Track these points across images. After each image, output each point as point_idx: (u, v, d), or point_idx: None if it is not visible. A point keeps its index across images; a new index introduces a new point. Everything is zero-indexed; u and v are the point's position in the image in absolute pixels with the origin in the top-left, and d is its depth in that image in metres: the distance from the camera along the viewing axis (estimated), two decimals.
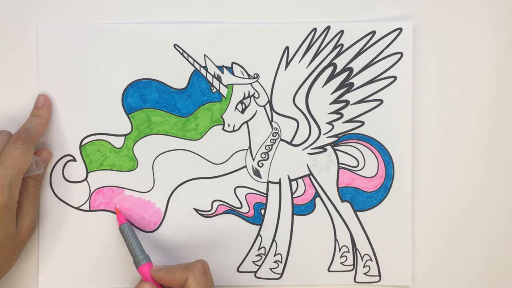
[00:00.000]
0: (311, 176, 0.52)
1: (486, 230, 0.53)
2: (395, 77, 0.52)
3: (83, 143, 0.51)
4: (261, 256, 0.52)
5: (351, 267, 0.53)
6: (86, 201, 0.51)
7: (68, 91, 0.51)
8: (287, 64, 0.52)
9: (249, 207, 0.52)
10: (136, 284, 0.49)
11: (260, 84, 0.52)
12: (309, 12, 0.52)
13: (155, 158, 0.52)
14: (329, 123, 0.52)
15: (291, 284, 0.52)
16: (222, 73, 0.51)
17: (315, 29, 0.51)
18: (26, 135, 0.47)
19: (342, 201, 0.52)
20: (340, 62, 0.52)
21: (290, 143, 0.52)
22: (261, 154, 0.52)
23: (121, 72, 0.51)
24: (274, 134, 0.52)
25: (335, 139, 0.52)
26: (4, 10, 0.51)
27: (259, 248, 0.52)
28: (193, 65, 0.51)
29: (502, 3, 0.52)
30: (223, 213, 0.52)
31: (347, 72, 0.52)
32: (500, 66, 0.53)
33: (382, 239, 0.52)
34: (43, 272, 0.51)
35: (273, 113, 0.52)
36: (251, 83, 0.52)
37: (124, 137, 0.51)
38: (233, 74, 0.51)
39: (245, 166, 0.52)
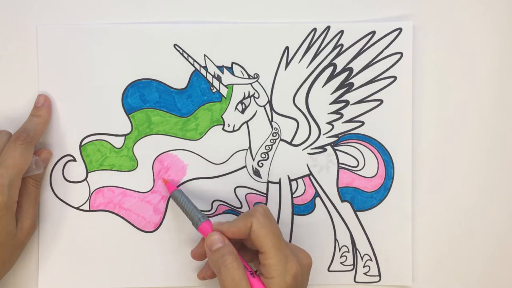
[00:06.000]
0: (311, 176, 0.52)
1: (486, 230, 0.53)
2: (395, 77, 0.52)
3: (83, 143, 0.51)
4: None
5: (351, 267, 0.53)
6: (86, 201, 0.51)
7: (68, 91, 0.51)
8: (287, 64, 0.52)
9: (249, 207, 0.52)
10: (136, 282, 0.49)
11: (260, 84, 0.52)
12: (309, 12, 0.52)
13: (155, 158, 0.52)
14: (329, 123, 0.52)
15: None
16: (222, 73, 0.51)
17: (315, 29, 0.51)
18: (25, 135, 0.47)
19: (342, 201, 0.52)
20: (340, 62, 0.52)
21: (290, 143, 0.52)
22: (261, 154, 0.52)
23: (121, 72, 0.51)
24: (274, 134, 0.52)
25: (335, 139, 0.52)
26: (4, 10, 0.51)
27: None
28: (193, 65, 0.51)
29: (502, 3, 0.52)
30: (223, 213, 0.52)
31: (347, 72, 0.52)
32: (500, 66, 0.53)
33: (382, 239, 0.52)
34: (43, 272, 0.51)
35: (273, 113, 0.52)
36: (251, 83, 0.52)
37: (124, 137, 0.51)
38: (233, 74, 0.52)
39: (245, 166, 0.52)
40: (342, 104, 0.52)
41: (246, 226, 0.44)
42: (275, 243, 0.43)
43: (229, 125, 0.52)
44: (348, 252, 0.52)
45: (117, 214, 0.52)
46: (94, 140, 0.51)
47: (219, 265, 0.43)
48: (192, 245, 0.51)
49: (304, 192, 0.52)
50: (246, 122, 0.52)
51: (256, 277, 0.43)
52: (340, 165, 0.52)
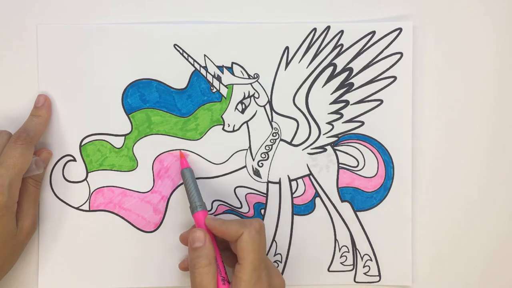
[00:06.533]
0: (311, 176, 0.52)
1: (486, 230, 0.53)
2: (395, 77, 0.52)
3: (83, 143, 0.51)
4: None
5: (351, 267, 0.53)
6: (86, 201, 0.51)
7: (68, 91, 0.51)
8: (287, 64, 0.52)
9: (249, 207, 0.52)
10: (136, 282, 0.49)
11: (260, 84, 0.52)
12: (309, 12, 0.52)
13: (155, 158, 0.52)
14: (329, 123, 0.52)
15: (291, 284, 0.52)
16: (222, 73, 0.51)
17: (315, 29, 0.51)
18: (25, 135, 0.47)
19: (342, 201, 0.52)
20: (340, 62, 0.52)
21: (290, 143, 0.52)
22: (261, 154, 0.52)
23: (121, 72, 0.51)
24: (274, 134, 0.52)
25: (335, 139, 0.52)
26: (4, 10, 0.51)
27: None
28: (193, 65, 0.51)
29: (502, 3, 0.52)
30: (223, 213, 0.52)
31: (347, 72, 0.52)
32: (500, 66, 0.53)
33: (382, 239, 0.52)
34: (43, 272, 0.51)
35: (273, 113, 0.52)
36: (251, 83, 0.52)
37: (124, 137, 0.51)
38: (233, 74, 0.52)
39: (245, 166, 0.52)
40: (342, 104, 0.52)
41: (237, 233, 0.44)
42: (254, 261, 0.43)
43: (229, 125, 0.52)
44: (348, 252, 0.52)
45: (117, 214, 0.52)
46: (94, 140, 0.51)
47: (193, 265, 0.44)
48: None
49: (304, 192, 0.52)
50: (246, 122, 0.52)
51: (227, 284, 0.44)
52: (340, 165, 0.52)
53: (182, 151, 0.51)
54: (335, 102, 0.52)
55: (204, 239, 0.45)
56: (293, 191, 0.52)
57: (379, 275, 0.53)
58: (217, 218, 0.46)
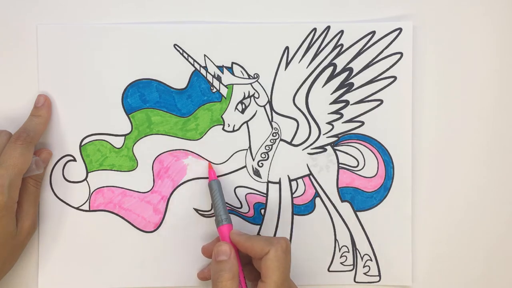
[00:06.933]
0: (311, 176, 0.52)
1: (486, 230, 0.53)
2: (395, 77, 0.52)
3: (83, 143, 0.51)
4: None
5: (351, 267, 0.53)
6: (86, 201, 0.51)
7: (68, 91, 0.51)
8: (287, 64, 0.52)
9: (249, 207, 0.52)
10: (136, 282, 0.49)
11: (260, 84, 0.52)
12: (309, 12, 0.52)
13: (155, 158, 0.52)
14: (329, 123, 0.52)
15: None
16: (222, 73, 0.51)
17: (315, 29, 0.51)
18: (26, 135, 0.47)
19: (342, 201, 0.52)
20: (340, 62, 0.52)
21: (290, 143, 0.52)
22: (261, 154, 0.52)
23: (121, 72, 0.51)
24: (274, 134, 0.52)
25: (335, 139, 0.52)
26: (4, 10, 0.51)
27: None
28: (193, 65, 0.51)
29: (502, 3, 0.52)
30: None
31: (347, 72, 0.52)
32: (500, 66, 0.53)
33: (382, 239, 0.52)
34: (43, 272, 0.51)
35: (273, 113, 0.52)
36: (251, 83, 0.52)
37: (124, 137, 0.51)
38: (233, 74, 0.52)
39: (245, 166, 0.52)
40: (342, 104, 0.52)
41: (263, 250, 0.43)
42: (278, 281, 0.43)
43: (229, 125, 0.52)
44: (348, 252, 0.52)
45: (117, 214, 0.52)
46: (94, 140, 0.51)
47: (216, 278, 0.43)
48: (192, 245, 0.51)
49: (304, 192, 0.52)
50: (246, 122, 0.52)
51: None
52: (340, 165, 0.52)
53: (210, 163, 0.51)
54: (335, 102, 0.52)
55: (229, 253, 0.44)
56: (293, 191, 0.52)
57: (379, 275, 0.53)
58: (243, 233, 0.46)
